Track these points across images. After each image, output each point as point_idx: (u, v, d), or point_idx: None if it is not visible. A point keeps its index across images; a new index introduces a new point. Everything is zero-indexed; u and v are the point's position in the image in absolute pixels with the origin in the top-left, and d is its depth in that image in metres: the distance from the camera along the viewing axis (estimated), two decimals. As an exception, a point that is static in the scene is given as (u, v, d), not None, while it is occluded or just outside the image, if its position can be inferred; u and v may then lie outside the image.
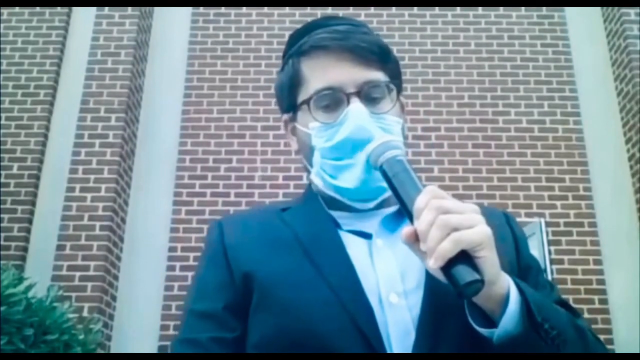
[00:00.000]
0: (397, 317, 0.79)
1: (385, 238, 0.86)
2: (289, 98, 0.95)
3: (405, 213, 0.76)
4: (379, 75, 0.91)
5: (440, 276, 0.71)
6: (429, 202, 0.71)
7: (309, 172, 0.95)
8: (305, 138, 0.92)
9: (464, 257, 0.69)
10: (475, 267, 0.69)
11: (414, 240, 0.72)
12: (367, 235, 0.87)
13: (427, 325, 0.78)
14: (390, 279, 0.82)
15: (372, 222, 0.87)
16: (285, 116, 0.98)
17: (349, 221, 0.89)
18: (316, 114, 0.89)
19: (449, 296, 0.78)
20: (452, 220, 0.69)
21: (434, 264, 0.68)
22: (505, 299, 0.73)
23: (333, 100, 0.89)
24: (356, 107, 0.87)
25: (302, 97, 0.92)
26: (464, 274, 0.68)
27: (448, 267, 0.68)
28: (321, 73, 0.90)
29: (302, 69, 0.93)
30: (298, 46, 0.94)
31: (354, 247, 0.85)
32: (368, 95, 0.89)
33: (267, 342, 0.80)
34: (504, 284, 0.73)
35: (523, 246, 0.92)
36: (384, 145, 0.81)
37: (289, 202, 0.99)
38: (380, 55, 0.92)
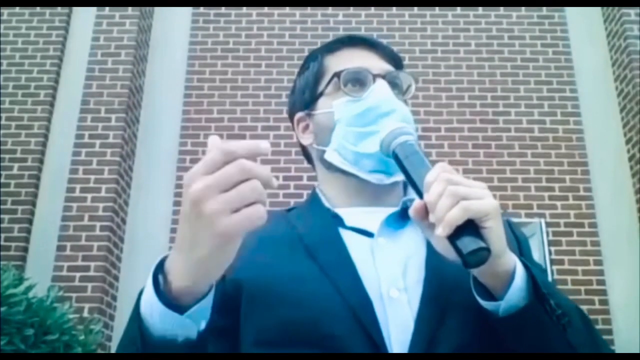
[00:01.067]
0: (397, 310, 0.80)
1: (388, 236, 0.87)
2: (312, 91, 0.99)
3: (415, 192, 0.79)
4: None
5: (446, 249, 0.72)
6: (439, 175, 0.73)
7: (322, 154, 0.97)
8: (325, 119, 0.96)
9: (471, 227, 0.70)
10: (482, 238, 0.70)
11: (423, 214, 0.74)
12: (369, 234, 0.88)
13: (426, 317, 0.79)
14: (391, 275, 0.83)
15: (376, 220, 0.88)
16: (299, 114, 1.01)
17: (354, 218, 0.90)
18: (345, 88, 0.94)
19: (450, 291, 0.80)
20: (461, 191, 0.71)
21: (442, 231, 0.70)
22: (511, 277, 0.74)
23: (360, 79, 0.94)
24: (382, 84, 0.93)
25: (328, 83, 0.97)
26: (470, 242, 0.69)
27: (455, 236, 0.70)
28: (347, 60, 0.97)
29: (327, 62, 0.99)
30: (323, 46, 1.01)
31: (356, 244, 0.86)
32: (391, 81, 0.95)
33: (267, 336, 0.80)
34: (510, 260, 0.74)
35: (527, 251, 0.94)
36: (395, 132, 0.84)
37: (296, 205, 1.02)
38: (397, 60, 1.01)
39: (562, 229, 4.69)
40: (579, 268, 4.59)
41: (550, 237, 4.62)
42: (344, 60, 0.97)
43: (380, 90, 0.92)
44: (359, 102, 0.92)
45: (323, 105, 0.97)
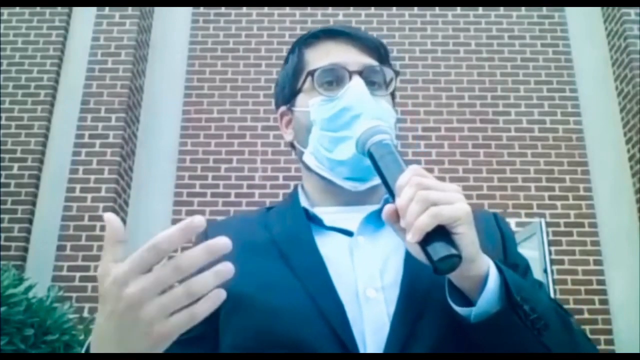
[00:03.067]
0: (373, 310, 0.79)
1: (367, 235, 0.87)
2: (291, 86, 0.97)
3: (389, 194, 0.77)
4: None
5: (419, 254, 0.71)
6: (411, 179, 0.71)
7: (302, 154, 0.96)
8: (303, 118, 0.94)
9: (442, 233, 0.69)
10: (453, 244, 0.68)
11: (395, 218, 0.73)
12: (349, 233, 0.87)
13: (402, 317, 0.78)
14: (369, 275, 0.82)
15: (355, 219, 0.88)
16: (282, 108, 1.00)
17: (333, 217, 0.90)
18: (319, 88, 0.91)
19: (427, 291, 0.79)
20: (432, 196, 0.69)
21: (411, 238, 0.69)
22: (484, 280, 0.72)
23: (336, 76, 0.91)
24: (358, 82, 0.90)
25: (304, 80, 0.94)
26: (440, 248, 0.68)
27: (425, 242, 0.68)
28: (324, 55, 0.93)
29: (306, 56, 0.96)
30: (303, 38, 0.98)
31: (334, 244, 0.86)
32: (368, 77, 0.91)
33: (242, 342, 0.80)
34: (483, 264, 0.73)
35: (511, 245, 0.92)
36: (371, 130, 0.82)
37: (277, 203, 1.01)
38: (380, 51, 0.96)
39: (562, 229, 4.69)
40: (579, 268, 4.59)
41: (550, 237, 4.61)
42: (321, 54, 0.93)
43: (354, 89, 0.88)
44: (332, 102, 0.89)
45: (301, 103, 0.95)
